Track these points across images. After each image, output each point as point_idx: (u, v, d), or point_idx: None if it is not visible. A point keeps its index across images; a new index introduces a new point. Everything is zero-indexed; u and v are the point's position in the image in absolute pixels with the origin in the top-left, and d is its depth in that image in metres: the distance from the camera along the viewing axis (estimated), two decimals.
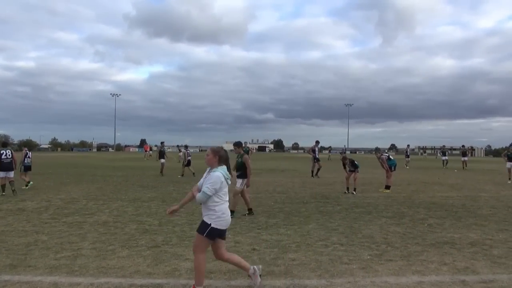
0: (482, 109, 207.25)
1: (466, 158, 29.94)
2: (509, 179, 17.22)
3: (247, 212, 8.48)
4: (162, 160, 20.29)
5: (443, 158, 31.83)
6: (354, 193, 12.22)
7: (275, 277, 4.52)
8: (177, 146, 39.28)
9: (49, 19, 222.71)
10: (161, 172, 19.65)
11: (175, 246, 5.81)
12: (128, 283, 4.29)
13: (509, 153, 17.96)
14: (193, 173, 18.77)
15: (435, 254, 5.48)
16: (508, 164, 17.66)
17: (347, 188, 12.58)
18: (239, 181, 8.40)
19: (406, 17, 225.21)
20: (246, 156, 8.57)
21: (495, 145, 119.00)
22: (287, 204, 10.03)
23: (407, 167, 28.62)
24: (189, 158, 19.70)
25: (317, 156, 19.16)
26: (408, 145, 34.32)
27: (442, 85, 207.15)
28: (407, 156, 32.35)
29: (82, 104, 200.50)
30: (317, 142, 19.99)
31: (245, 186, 8.52)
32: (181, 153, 21.61)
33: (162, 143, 22.59)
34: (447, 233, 6.83)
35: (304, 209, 9.27)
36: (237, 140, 8.73)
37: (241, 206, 8.69)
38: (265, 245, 5.88)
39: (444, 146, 40.07)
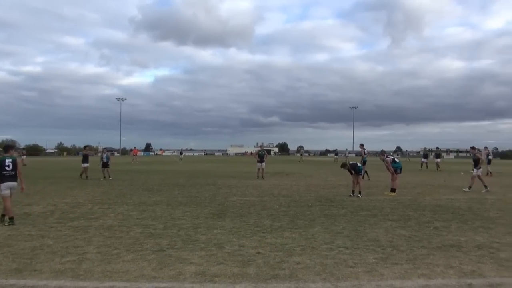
0: (490, 111, 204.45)
1: (439, 160, 29.61)
2: None
3: (8, 222, 7.63)
4: (86, 164, 19.56)
5: (423, 160, 31.45)
6: (359, 196, 12.17)
7: (280, 280, 4.51)
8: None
9: (57, 24, 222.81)
10: (81, 175, 19.39)
11: (180, 250, 5.82)
12: (133, 287, 4.31)
13: None
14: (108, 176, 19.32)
15: (441, 257, 5.44)
16: None
17: (353, 191, 12.54)
18: (3, 185, 7.65)
19: (414, 18, 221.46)
20: (18, 159, 7.85)
21: (503, 147, 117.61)
22: (292, 208, 10.01)
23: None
24: (105, 160, 19.90)
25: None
26: (496, 148, 29.25)
27: (450, 87, 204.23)
28: (489, 162, 25.25)
29: (88, 108, 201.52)
30: (361, 145, 19.90)
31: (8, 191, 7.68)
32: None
33: (85, 147, 22.33)
34: (453, 236, 6.78)
35: (309, 213, 9.25)
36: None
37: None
38: (269, 249, 5.87)
39: (425, 148, 39.13)
